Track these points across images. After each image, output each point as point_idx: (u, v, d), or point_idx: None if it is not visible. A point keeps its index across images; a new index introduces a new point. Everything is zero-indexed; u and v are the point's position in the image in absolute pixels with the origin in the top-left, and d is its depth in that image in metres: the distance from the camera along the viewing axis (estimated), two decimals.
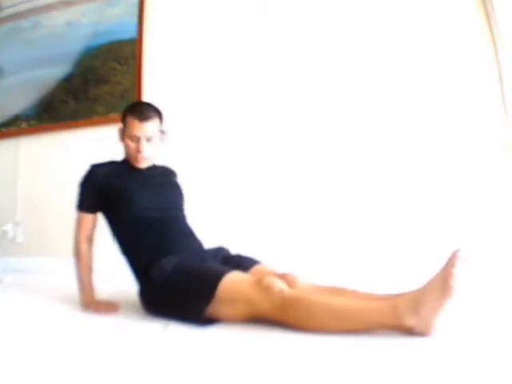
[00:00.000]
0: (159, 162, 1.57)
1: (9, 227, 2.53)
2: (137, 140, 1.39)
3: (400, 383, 0.70)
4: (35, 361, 0.86)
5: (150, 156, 1.44)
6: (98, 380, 0.76)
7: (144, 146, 1.39)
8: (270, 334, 1.01)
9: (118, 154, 1.49)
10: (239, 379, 0.75)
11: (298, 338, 0.96)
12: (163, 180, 1.53)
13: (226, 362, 0.84)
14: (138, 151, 1.39)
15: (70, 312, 1.32)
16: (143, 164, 1.44)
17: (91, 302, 1.34)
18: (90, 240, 1.42)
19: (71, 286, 1.50)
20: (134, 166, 1.46)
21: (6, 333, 1.10)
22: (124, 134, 1.42)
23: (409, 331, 0.91)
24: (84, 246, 1.39)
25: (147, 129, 1.39)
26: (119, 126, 1.46)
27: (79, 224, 1.41)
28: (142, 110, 1.40)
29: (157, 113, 1.43)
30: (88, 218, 1.41)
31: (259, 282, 1.08)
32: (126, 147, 1.42)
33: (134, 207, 1.36)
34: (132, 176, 1.43)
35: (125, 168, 1.45)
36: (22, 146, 2.77)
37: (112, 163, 1.47)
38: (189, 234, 1.43)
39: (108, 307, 1.32)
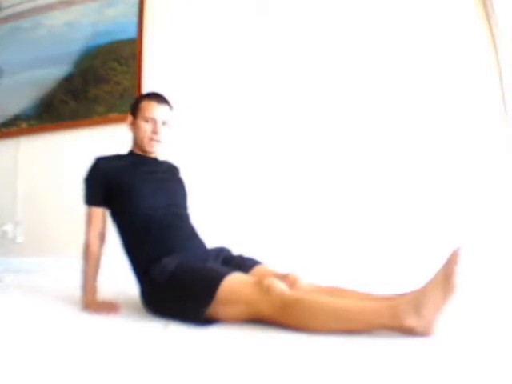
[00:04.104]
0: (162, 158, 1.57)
1: (9, 227, 2.53)
2: (153, 122, 1.41)
3: (400, 383, 0.70)
4: (35, 361, 0.86)
5: (163, 142, 1.45)
6: (99, 380, 0.76)
7: (160, 128, 1.41)
8: (270, 334, 1.01)
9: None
10: (239, 379, 0.75)
11: (297, 338, 0.96)
12: (168, 176, 1.53)
13: (226, 362, 0.84)
14: (155, 133, 1.41)
15: (70, 312, 1.31)
16: (155, 148, 1.45)
17: (93, 303, 1.33)
18: (103, 236, 1.40)
19: (71, 286, 1.50)
20: (141, 157, 1.47)
21: (6, 333, 1.10)
22: (135, 120, 1.43)
23: (410, 332, 0.91)
24: (95, 245, 1.37)
25: (164, 111, 1.43)
26: (128, 116, 1.48)
27: (90, 219, 1.39)
28: (159, 95, 1.46)
29: (170, 104, 1.49)
30: (98, 211, 1.39)
31: (260, 283, 1.07)
32: (139, 131, 1.43)
33: (139, 203, 1.36)
34: (138, 170, 1.43)
35: (130, 161, 1.45)
36: (22, 146, 2.77)
37: (117, 156, 1.47)
38: (191, 234, 1.43)
39: (109, 308, 1.31)
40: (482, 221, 1.88)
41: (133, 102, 1.52)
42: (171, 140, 1.54)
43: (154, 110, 1.41)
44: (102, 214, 1.40)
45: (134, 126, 1.45)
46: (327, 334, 0.95)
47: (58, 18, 2.79)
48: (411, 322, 0.90)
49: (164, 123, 1.44)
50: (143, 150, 1.47)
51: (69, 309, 1.35)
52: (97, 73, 2.64)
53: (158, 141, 1.43)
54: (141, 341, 1.01)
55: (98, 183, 1.38)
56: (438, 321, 0.89)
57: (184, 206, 1.51)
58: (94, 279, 1.37)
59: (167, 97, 1.49)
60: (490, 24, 1.98)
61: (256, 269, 1.32)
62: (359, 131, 2.15)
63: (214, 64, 2.42)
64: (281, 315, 1.02)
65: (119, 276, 1.56)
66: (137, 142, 1.47)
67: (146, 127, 1.42)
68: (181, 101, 2.41)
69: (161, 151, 1.51)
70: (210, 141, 2.38)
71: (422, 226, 1.97)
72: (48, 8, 2.82)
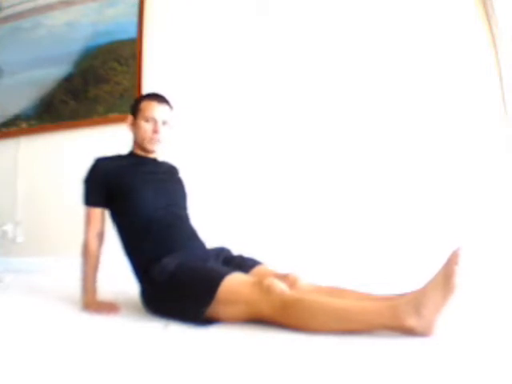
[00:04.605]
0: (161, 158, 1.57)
1: (9, 227, 2.53)
2: (154, 122, 1.42)
3: (400, 383, 0.70)
4: (35, 361, 0.86)
5: (163, 142, 1.45)
6: (99, 380, 0.76)
7: (160, 127, 1.42)
8: (270, 334, 1.01)
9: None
10: (239, 379, 0.75)
11: (297, 338, 0.96)
12: (168, 177, 1.53)
13: (226, 362, 0.84)
14: (155, 132, 1.41)
15: (70, 312, 1.31)
16: (156, 147, 1.46)
17: (93, 303, 1.33)
18: (101, 236, 1.41)
19: (71, 286, 1.50)
20: (141, 158, 1.47)
21: (6, 333, 1.10)
22: (136, 120, 1.44)
23: (410, 332, 0.91)
24: (94, 244, 1.38)
25: (164, 111, 1.44)
26: (128, 116, 1.48)
27: (88, 220, 1.39)
28: (159, 95, 1.47)
29: (170, 104, 1.49)
30: (97, 211, 1.39)
31: (260, 284, 1.08)
32: (140, 131, 1.43)
33: (139, 204, 1.36)
34: (138, 171, 1.43)
35: (131, 162, 1.45)
36: (22, 146, 2.77)
37: (117, 157, 1.47)
38: (191, 234, 1.43)
39: (109, 308, 1.31)
40: (482, 221, 1.88)
41: (133, 103, 1.52)
42: (171, 140, 1.54)
43: (155, 109, 1.42)
44: (101, 214, 1.41)
45: (135, 126, 1.45)
46: (327, 334, 0.95)
47: (58, 18, 2.79)
48: (411, 322, 0.90)
49: (164, 123, 1.44)
50: (143, 151, 1.47)
51: (69, 309, 1.35)
52: (97, 73, 2.64)
53: (158, 140, 1.43)
54: (141, 341, 1.01)
55: (98, 184, 1.38)
56: (438, 321, 0.89)
57: (184, 207, 1.51)
58: (94, 279, 1.37)
59: (167, 97, 1.50)
60: (490, 24, 1.98)
61: (256, 269, 1.32)
62: (359, 131, 2.15)
63: (214, 64, 2.42)
64: (281, 315, 1.02)
65: (119, 276, 1.56)
66: (137, 142, 1.47)
67: (146, 127, 1.42)
68: (181, 101, 2.42)
69: (161, 151, 1.51)
70: (209, 141, 2.38)
71: (421, 226, 1.96)
72: (48, 8, 2.82)
